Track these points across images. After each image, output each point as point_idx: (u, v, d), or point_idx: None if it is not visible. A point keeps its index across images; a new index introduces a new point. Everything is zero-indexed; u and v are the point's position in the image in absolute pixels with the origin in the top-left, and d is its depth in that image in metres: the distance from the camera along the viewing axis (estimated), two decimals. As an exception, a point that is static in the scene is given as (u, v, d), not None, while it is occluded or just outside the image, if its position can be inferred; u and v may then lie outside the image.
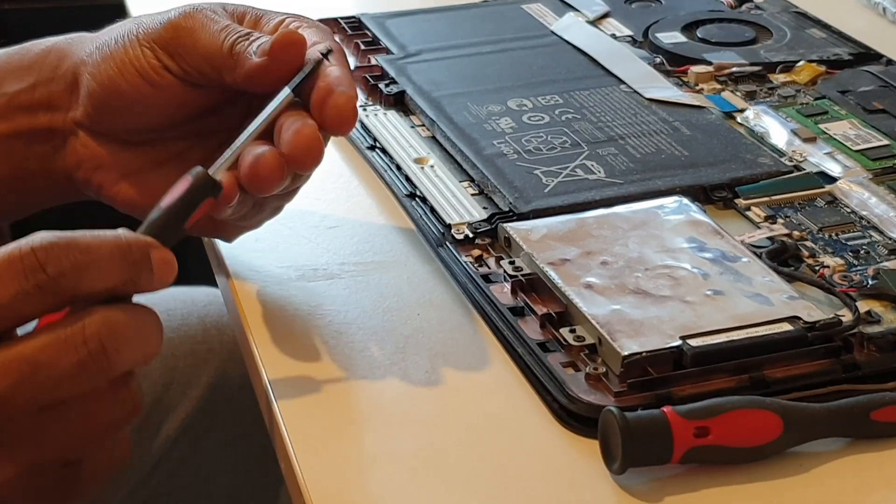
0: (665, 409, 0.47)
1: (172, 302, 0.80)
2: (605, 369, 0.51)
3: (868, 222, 0.61)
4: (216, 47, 0.53)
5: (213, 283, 0.63)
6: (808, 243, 0.59)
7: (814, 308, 0.52)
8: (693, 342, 0.51)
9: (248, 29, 0.54)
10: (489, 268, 0.59)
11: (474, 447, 0.49)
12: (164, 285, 0.44)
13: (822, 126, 0.67)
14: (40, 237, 0.41)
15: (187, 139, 0.56)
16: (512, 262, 0.58)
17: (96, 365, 0.42)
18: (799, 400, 0.48)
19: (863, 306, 0.54)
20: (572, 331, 0.53)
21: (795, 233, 0.60)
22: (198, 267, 0.66)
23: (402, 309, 0.58)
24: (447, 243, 0.61)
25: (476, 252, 0.60)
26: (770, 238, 0.60)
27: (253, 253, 0.60)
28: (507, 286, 0.57)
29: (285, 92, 0.49)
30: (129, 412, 0.44)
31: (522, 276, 0.57)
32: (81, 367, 0.42)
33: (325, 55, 0.50)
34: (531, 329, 0.54)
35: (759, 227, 0.61)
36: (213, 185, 0.46)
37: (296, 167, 0.49)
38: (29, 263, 0.41)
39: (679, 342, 0.51)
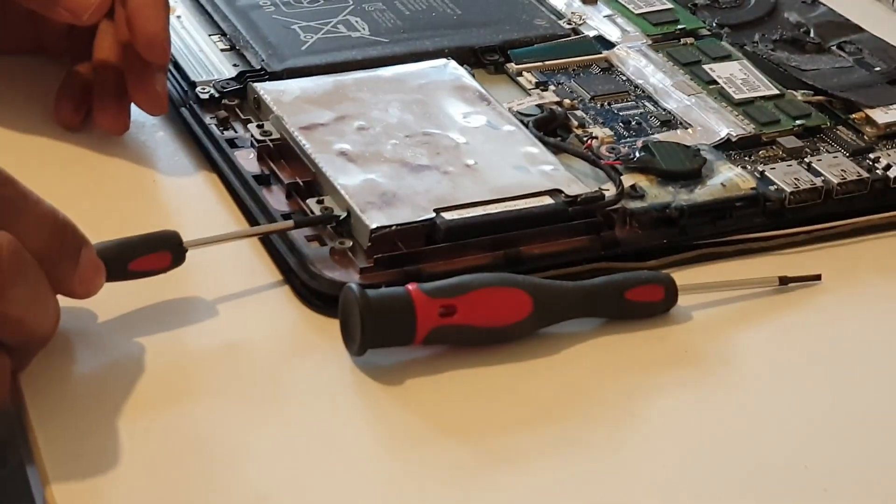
0: (409, 286, 0.47)
1: None
2: (352, 244, 0.50)
3: (643, 91, 0.61)
4: None
5: None
6: (579, 112, 0.60)
7: (577, 181, 0.53)
8: (447, 215, 0.51)
9: None
10: (235, 132, 0.58)
11: (209, 325, 0.48)
12: (83, 290, 0.43)
13: (604, -14, 0.64)
14: None
15: None
16: (260, 126, 0.56)
17: None
18: (555, 279, 0.48)
19: (628, 180, 0.54)
20: (320, 202, 0.52)
21: (566, 101, 0.60)
22: None
23: (135, 175, 0.57)
24: (190, 103, 0.59)
25: (222, 114, 0.58)
26: (539, 106, 0.60)
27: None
28: (254, 152, 0.56)
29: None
30: None
31: (270, 141, 0.56)
32: None
33: None
34: (277, 199, 0.53)
35: (529, 94, 0.61)
36: (180, 247, 0.47)
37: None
38: None
39: (433, 215, 0.50)
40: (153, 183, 0.56)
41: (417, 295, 0.47)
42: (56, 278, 0.42)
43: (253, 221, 0.53)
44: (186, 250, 0.47)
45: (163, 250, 0.46)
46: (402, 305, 0.47)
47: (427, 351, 0.48)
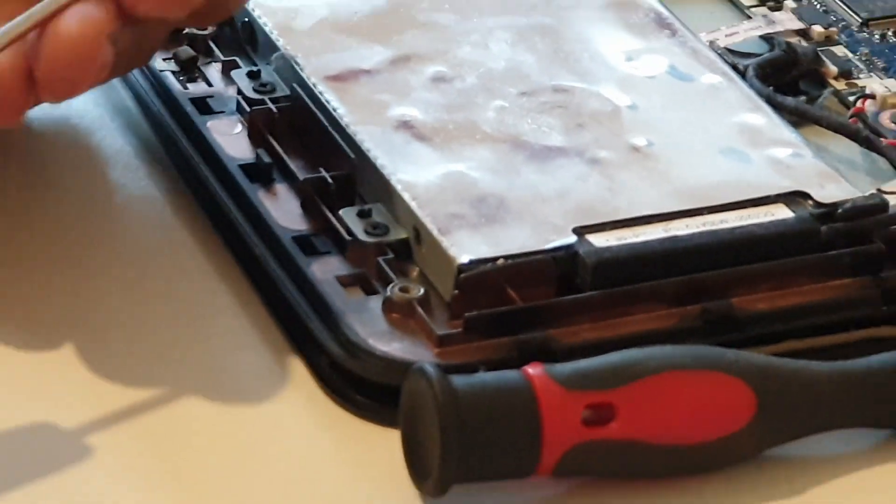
0: (529, 369, 0.42)
1: None
2: (423, 290, 0.46)
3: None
4: None
5: None
6: (842, 49, 0.54)
7: (836, 178, 0.49)
8: (598, 240, 0.45)
9: None
10: (210, 84, 0.52)
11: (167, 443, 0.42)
12: None
13: None
14: None
15: None
16: (255, 75, 0.51)
17: None
18: (793, 356, 0.44)
19: (931, 174, 0.54)
20: (364, 215, 0.47)
21: (817, 28, 0.55)
22: None
23: (34, 166, 0.50)
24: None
25: (185, 51, 0.53)
26: (767, 38, 0.53)
27: None
28: (242, 123, 0.50)
29: None
30: None
31: (273, 100, 0.51)
32: None
33: None
34: (284, 208, 0.48)
35: (749, 17, 0.56)
36: None
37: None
38: None
39: (572, 239, 0.46)
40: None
41: (544, 385, 0.41)
42: None
43: (240, 250, 0.48)
44: None
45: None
46: (516, 405, 0.41)
47: (560, 488, 0.42)
